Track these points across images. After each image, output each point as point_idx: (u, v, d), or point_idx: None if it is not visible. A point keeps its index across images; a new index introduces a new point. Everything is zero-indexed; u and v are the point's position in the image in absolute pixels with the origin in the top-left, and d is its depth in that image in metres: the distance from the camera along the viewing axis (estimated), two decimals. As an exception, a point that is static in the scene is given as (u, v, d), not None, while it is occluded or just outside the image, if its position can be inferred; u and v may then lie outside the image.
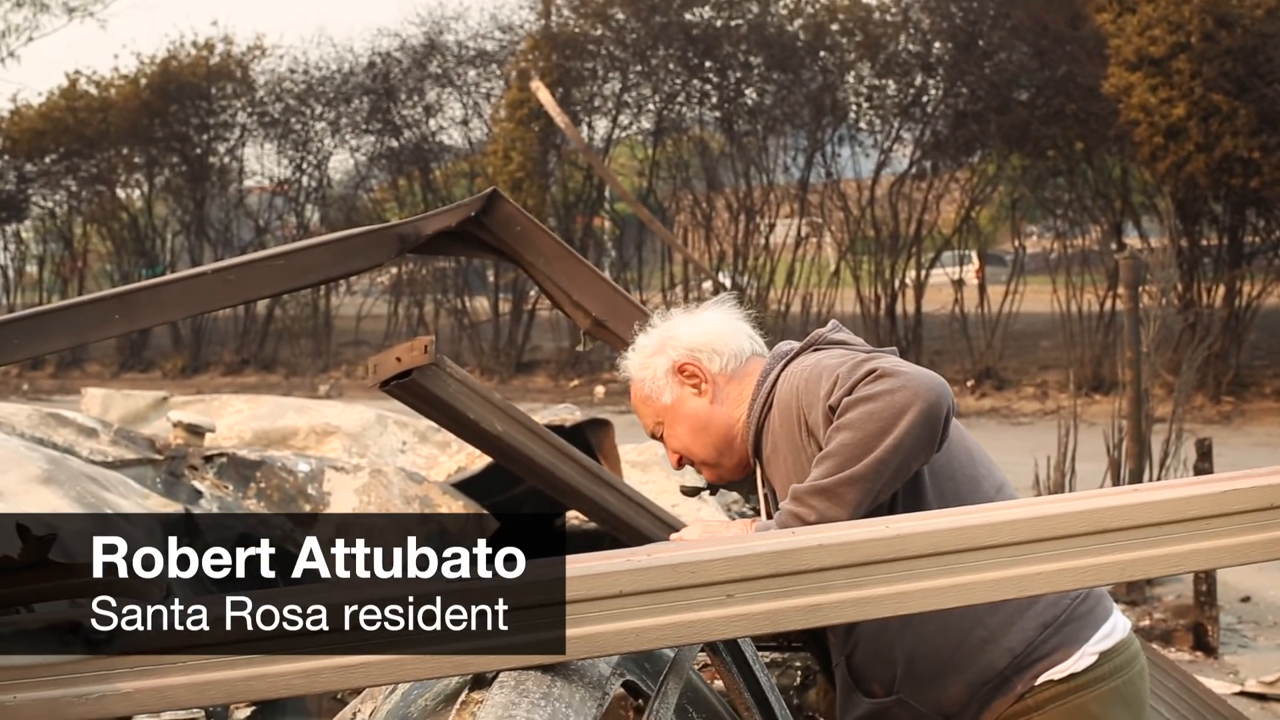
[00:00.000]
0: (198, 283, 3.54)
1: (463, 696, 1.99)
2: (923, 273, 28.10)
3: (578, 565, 2.07)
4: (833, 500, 3.11)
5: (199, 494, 5.57)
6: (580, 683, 2.09)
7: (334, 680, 1.98)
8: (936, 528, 2.18)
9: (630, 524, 4.38)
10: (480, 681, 2.02)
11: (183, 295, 3.49)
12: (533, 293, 30.85)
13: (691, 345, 3.60)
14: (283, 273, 3.63)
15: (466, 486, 6.51)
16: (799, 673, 4.45)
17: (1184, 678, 5.13)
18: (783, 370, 3.46)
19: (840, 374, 3.18)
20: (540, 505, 6.71)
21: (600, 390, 27.29)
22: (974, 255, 29.05)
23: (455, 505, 6.18)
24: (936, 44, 27.67)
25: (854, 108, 28.99)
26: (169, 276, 3.55)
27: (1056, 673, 3.35)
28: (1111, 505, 2.24)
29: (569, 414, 6.80)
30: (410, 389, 3.64)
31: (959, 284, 27.54)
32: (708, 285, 28.83)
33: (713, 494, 6.24)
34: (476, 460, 7.23)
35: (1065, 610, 3.35)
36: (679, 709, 2.53)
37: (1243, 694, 8.28)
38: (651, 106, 30.29)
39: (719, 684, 2.82)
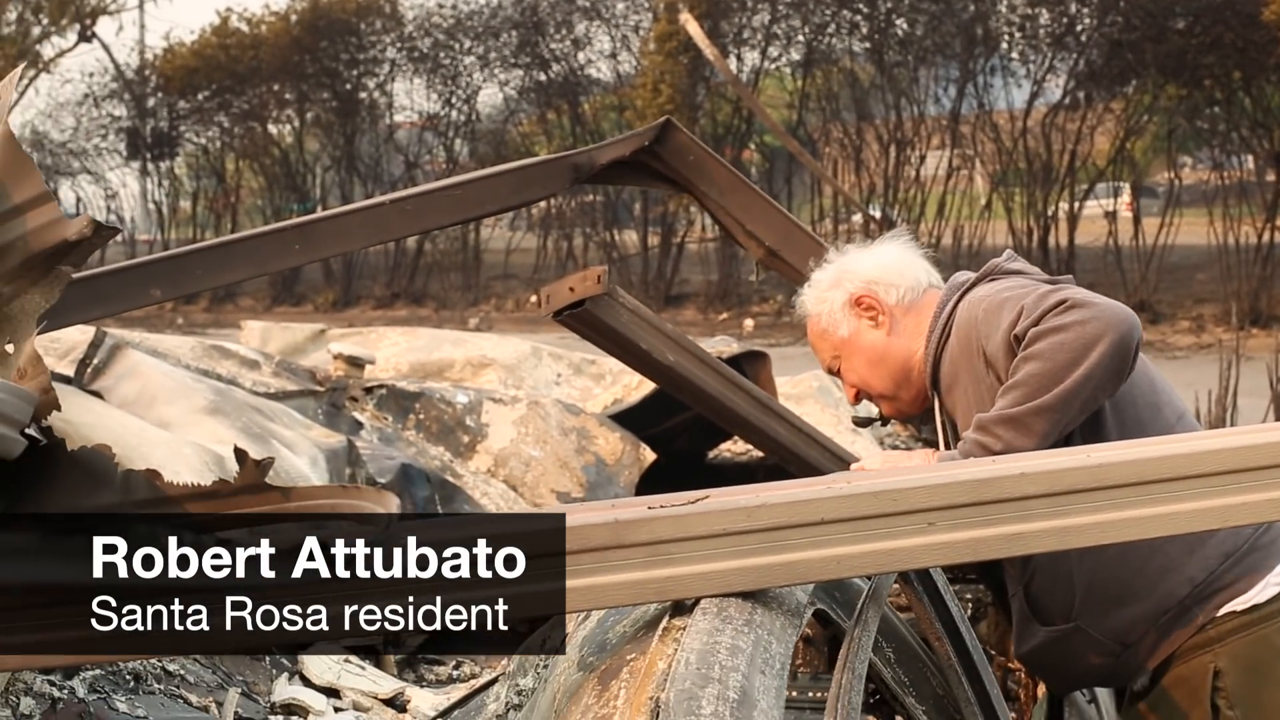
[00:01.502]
0: (376, 213, 3.56)
1: (664, 623, 1.99)
2: (1076, 205, 27.75)
3: (778, 493, 2.06)
4: (1020, 430, 3.08)
5: (360, 425, 5.63)
6: (779, 610, 2.08)
7: (538, 606, 1.99)
8: (1140, 457, 2.14)
9: (800, 455, 4.36)
10: (680, 609, 2.01)
11: (362, 225, 3.51)
12: (681, 226, 30.82)
13: (868, 278, 3.57)
14: (460, 202, 3.64)
15: (623, 418, 6.52)
16: (970, 605, 4.42)
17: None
18: (959, 300, 3.43)
19: (1026, 304, 3.14)
20: (695, 438, 6.73)
21: (749, 323, 27.24)
22: (1126, 187, 28.61)
23: (612, 437, 6.20)
24: (1091, -29, 27.23)
25: (1006, 37, 28.62)
26: (349, 207, 3.58)
27: (1239, 603, 3.30)
28: (1319, 435, 2.19)
29: (725, 345, 6.79)
30: (583, 319, 3.64)
31: (1112, 216, 27.15)
32: (857, 218, 28.68)
33: (884, 425, 6.21)
34: (632, 393, 7.25)
35: (1247, 540, 3.29)
36: (870, 639, 2.52)
37: None
38: (801, 38, 30.07)
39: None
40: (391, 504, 1.45)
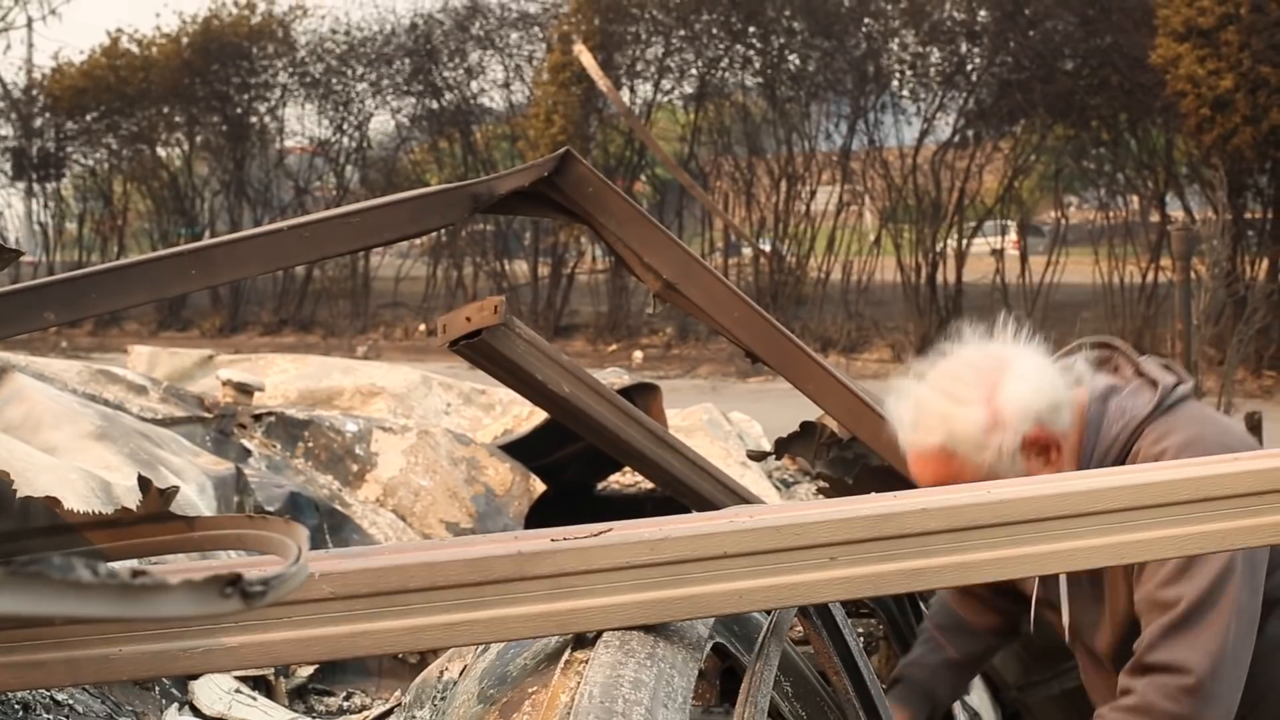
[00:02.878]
0: (274, 239, 3.52)
1: (566, 656, 1.98)
2: (964, 242, 28.02)
3: (680, 526, 2.06)
4: None
5: (248, 452, 5.58)
6: (681, 643, 2.08)
7: (438, 638, 1.98)
8: (1039, 494, 2.16)
9: (692, 487, 4.36)
10: (582, 641, 2.01)
11: (260, 251, 3.48)
12: (571, 256, 30.85)
13: (1036, 411, 3.24)
14: (358, 230, 3.61)
15: (513, 449, 6.51)
16: (863, 638, 4.44)
17: None
18: (1137, 430, 3.23)
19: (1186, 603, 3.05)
20: (584, 470, 6.73)
21: (639, 355, 27.29)
22: (1014, 226, 28.92)
23: (502, 467, 6.18)
24: (981, 11, 27.53)
25: (897, 75, 28.90)
26: (246, 233, 3.54)
27: None
28: (1214, 474, 2.22)
29: (617, 378, 6.79)
30: (479, 349, 3.62)
31: (999, 254, 27.44)
32: (748, 251, 28.80)
33: (777, 459, 6.23)
34: (522, 423, 7.24)
35: None
36: (767, 673, 2.52)
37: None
38: (694, 71, 30.23)
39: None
40: (301, 536, 1.43)
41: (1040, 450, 3.19)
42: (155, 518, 1.57)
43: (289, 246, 3.56)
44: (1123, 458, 3.17)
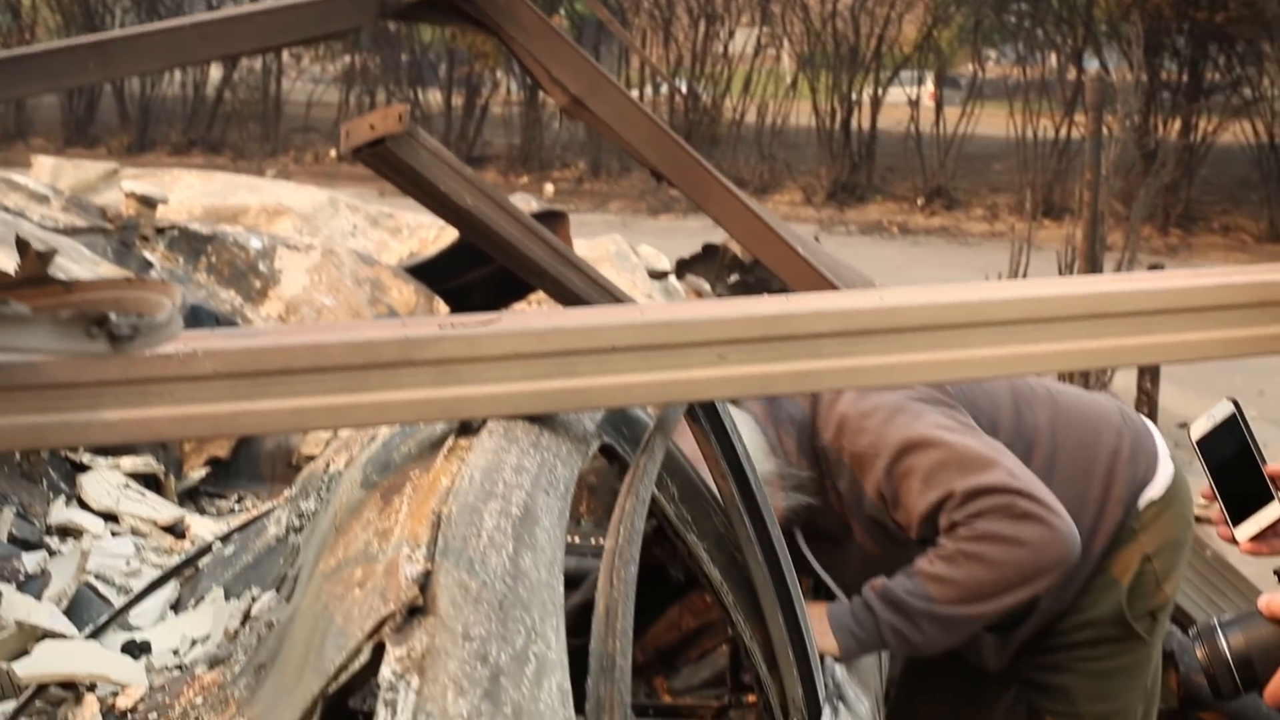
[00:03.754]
0: (176, 35, 3.46)
1: (450, 443, 1.97)
2: (880, 90, 27.94)
3: (570, 318, 2.05)
4: (948, 630, 3.06)
5: (149, 265, 5.52)
6: (566, 435, 2.08)
7: (321, 420, 1.96)
8: (933, 301, 2.16)
9: (594, 305, 4.35)
10: (467, 429, 2.00)
11: (161, 46, 3.41)
12: (485, 88, 30.55)
13: None
14: (262, 30, 3.55)
15: (418, 272, 6.48)
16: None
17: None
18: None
19: (963, 488, 3.10)
20: (489, 295, 6.70)
21: (550, 188, 27.13)
22: (931, 76, 28.85)
23: (406, 289, 6.15)
24: None
25: (821, -83, 28.62)
26: (147, 27, 3.46)
27: (1155, 491, 3.44)
28: (1109, 291, 2.23)
29: (525, 204, 6.75)
30: (382, 156, 3.57)
31: (915, 103, 27.39)
32: (664, 90, 28.62)
33: (679, 277, 6.23)
34: (428, 247, 7.20)
35: (1121, 429, 3.42)
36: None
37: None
38: (617, -96, 29.83)
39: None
40: (175, 295, 1.40)
41: None
42: (32, 281, 1.54)
43: (190, 43, 3.49)
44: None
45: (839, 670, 2.93)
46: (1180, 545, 3.55)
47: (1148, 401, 9.11)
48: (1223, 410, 2.39)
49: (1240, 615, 2.28)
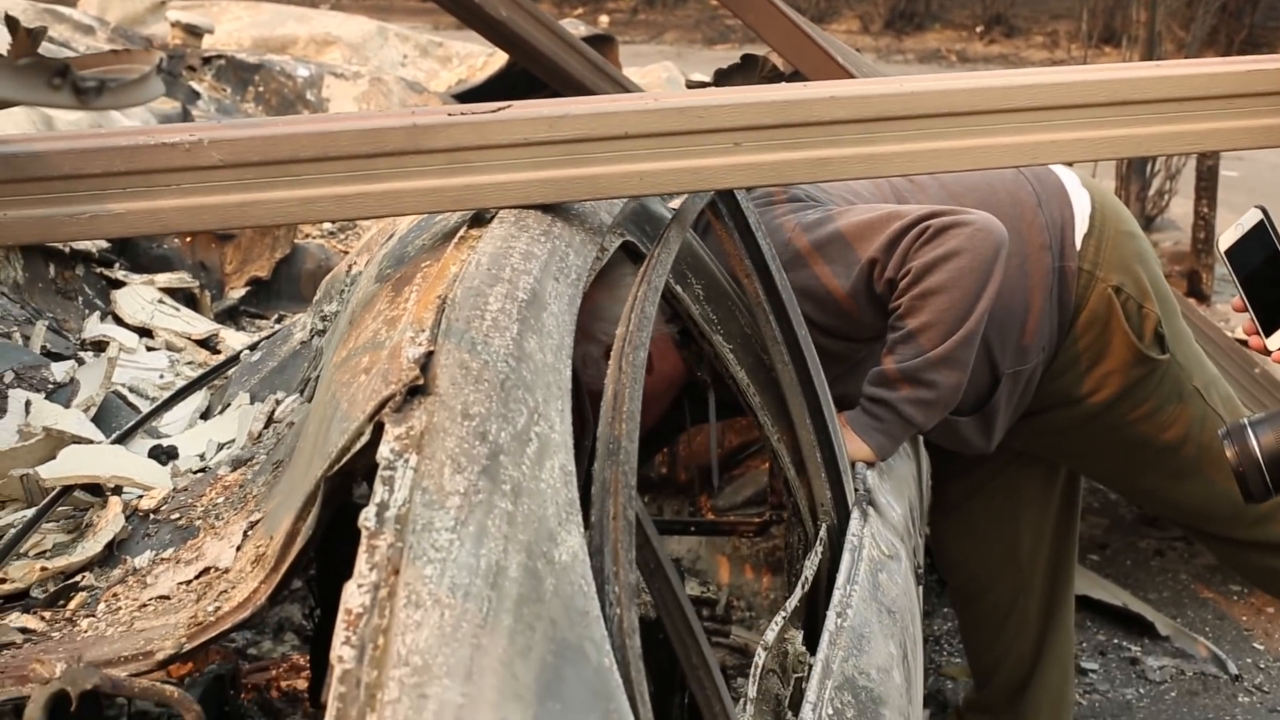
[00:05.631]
0: None
1: (461, 233, 1.95)
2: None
3: (582, 105, 2.01)
4: (953, 368, 3.00)
5: (197, 95, 5.49)
6: (580, 226, 2.05)
7: (330, 210, 1.94)
8: (954, 87, 2.12)
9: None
10: (479, 220, 1.98)
11: None
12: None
13: None
14: None
15: (465, 99, 6.43)
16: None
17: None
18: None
19: (883, 239, 3.01)
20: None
21: (604, 19, 26.89)
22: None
23: (455, 115, 6.11)
24: None
25: None
26: None
27: (1080, 227, 3.39)
28: (1134, 77, 2.18)
29: (573, 28, 6.67)
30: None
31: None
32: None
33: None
34: (476, 74, 7.15)
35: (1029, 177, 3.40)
36: (678, 273, 2.50)
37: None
38: None
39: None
40: (152, 60, 1.37)
41: None
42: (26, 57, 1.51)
43: None
44: None
45: (871, 477, 2.91)
46: (1138, 258, 3.47)
47: (1204, 226, 8.99)
48: (1251, 218, 2.32)
49: (1271, 413, 2.24)
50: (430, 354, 1.61)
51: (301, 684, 2.91)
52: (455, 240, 1.92)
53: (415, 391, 1.56)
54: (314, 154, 1.90)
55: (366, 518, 1.39)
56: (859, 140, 2.07)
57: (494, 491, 1.48)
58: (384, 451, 1.49)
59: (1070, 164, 3.50)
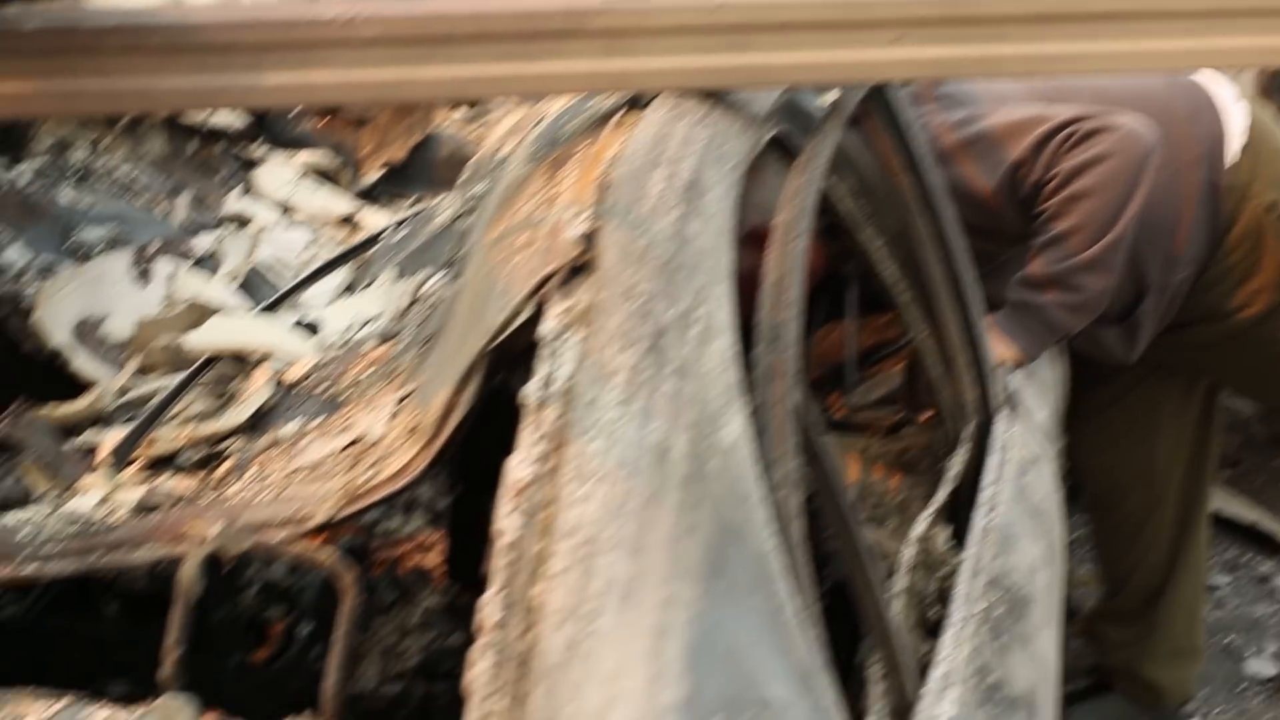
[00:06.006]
0: None
1: (617, 116, 1.93)
2: None
3: None
4: (1101, 272, 2.96)
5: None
6: (739, 113, 2.02)
7: (484, 90, 1.93)
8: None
9: None
10: (636, 104, 1.95)
11: None
12: None
13: None
14: None
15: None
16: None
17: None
18: None
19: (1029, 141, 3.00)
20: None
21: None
22: None
23: None
24: None
25: None
26: None
27: (1237, 142, 3.33)
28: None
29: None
30: None
31: None
32: None
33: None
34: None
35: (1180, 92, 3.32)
36: (831, 166, 2.47)
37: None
38: None
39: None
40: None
41: None
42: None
43: None
44: None
45: (1016, 379, 2.89)
46: None
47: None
48: None
49: None
50: (593, 232, 1.60)
51: (431, 560, 2.94)
52: (612, 124, 1.91)
53: (579, 269, 1.56)
54: (470, 33, 1.88)
55: (530, 392, 1.39)
56: (1025, 39, 2.03)
57: (659, 370, 1.47)
58: (549, 326, 1.49)
59: (1237, 72, 3.42)
